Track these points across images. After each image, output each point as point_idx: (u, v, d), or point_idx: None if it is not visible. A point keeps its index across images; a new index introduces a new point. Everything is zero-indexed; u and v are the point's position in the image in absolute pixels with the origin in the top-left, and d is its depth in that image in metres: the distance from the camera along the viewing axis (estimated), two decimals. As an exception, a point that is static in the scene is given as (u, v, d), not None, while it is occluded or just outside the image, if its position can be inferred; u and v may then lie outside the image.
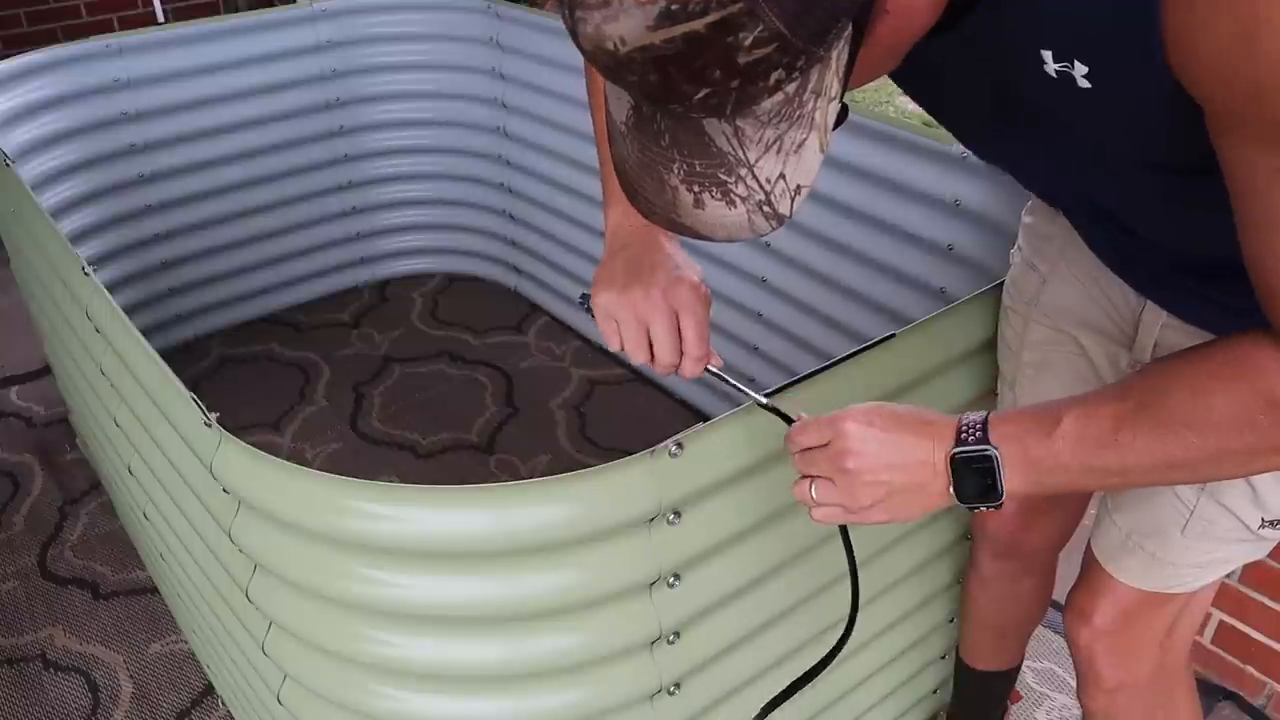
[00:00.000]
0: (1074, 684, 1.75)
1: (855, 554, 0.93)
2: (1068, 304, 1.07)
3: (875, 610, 1.29)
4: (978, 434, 0.79)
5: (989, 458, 0.78)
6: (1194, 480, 0.93)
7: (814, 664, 0.98)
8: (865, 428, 0.81)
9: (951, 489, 0.80)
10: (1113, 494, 1.08)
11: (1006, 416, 0.80)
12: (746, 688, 1.16)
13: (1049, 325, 1.10)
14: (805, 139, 0.60)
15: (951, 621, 1.47)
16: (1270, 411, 0.70)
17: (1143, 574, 1.06)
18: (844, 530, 0.93)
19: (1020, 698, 1.72)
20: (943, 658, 1.53)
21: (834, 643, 0.97)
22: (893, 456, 0.81)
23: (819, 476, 0.84)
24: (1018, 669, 1.51)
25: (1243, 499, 0.96)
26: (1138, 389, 0.76)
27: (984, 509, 0.81)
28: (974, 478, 0.79)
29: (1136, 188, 0.79)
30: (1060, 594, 1.39)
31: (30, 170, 2.18)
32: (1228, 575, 1.22)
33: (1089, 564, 1.12)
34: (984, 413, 0.81)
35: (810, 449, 0.85)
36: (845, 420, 0.82)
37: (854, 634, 1.24)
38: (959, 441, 0.80)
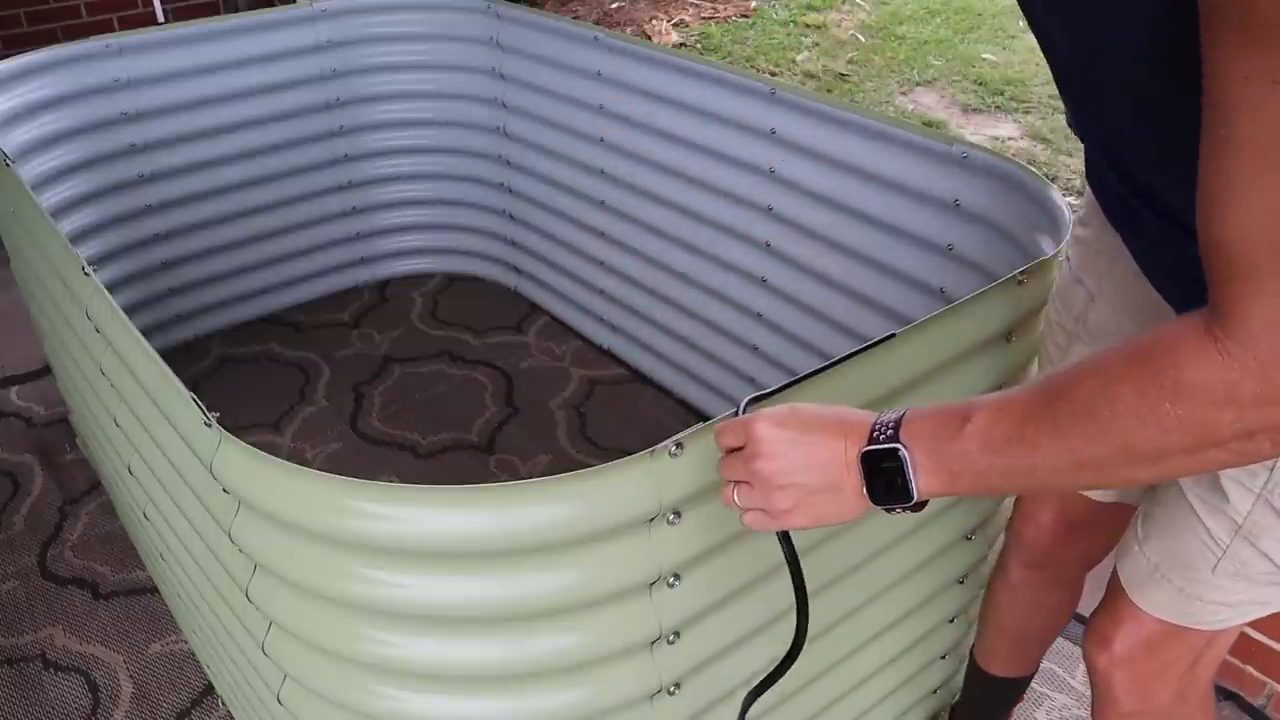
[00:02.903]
0: (1074, 684, 1.75)
1: (797, 552, 0.89)
2: (1115, 327, 1.04)
3: (875, 610, 1.29)
4: (889, 432, 0.77)
5: (897, 455, 0.76)
6: (1107, 484, 0.82)
7: (773, 668, 0.96)
8: (776, 429, 0.80)
9: (864, 490, 0.78)
10: (1141, 522, 1.04)
11: (920, 414, 0.77)
12: (746, 688, 1.16)
13: (1092, 349, 1.07)
14: None
15: (952, 621, 1.47)
16: (1178, 403, 0.64)
17: (1169, 606, 1.02)
18: (784, 537, 0.88)
19: (1020, 698, 1.72)
20: (943, 657, 1.53)
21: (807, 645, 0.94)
22: (803, 458, 0.79)
23: (740, 481, 0.83)
24: (1032, 676, 1.49)
25: (1279, 543, 0.91)
26: (1054, 380, 0.71)
27: (899, 510, 0.78)
28: (883, 477, 0.77)
29: (1150, 120, 0.76)
30: (1079, 606, 1.38)
31: (30, 170, 2.18)
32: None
33: (1113, 589, 1.08)
34: (902, 410, 0.78)
35: (730, 453, 0.84)
36: (756, 422, 0.80)
37: (854, 634, 1.23)
38: (871, 440, 0.77)
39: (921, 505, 0.78)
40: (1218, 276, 0.63)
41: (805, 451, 0.79)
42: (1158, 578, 1.01)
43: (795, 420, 0.80)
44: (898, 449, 0.76)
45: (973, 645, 1.48)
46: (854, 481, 0.78)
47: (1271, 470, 0.88)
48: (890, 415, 0.78)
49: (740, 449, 0.83)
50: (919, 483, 0.76)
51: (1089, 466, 0.69)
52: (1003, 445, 0.72)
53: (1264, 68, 0.57)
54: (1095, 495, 1.18)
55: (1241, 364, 0.62)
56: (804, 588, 0.89)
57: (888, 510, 0.79)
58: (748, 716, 1.05)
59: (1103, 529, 1.24)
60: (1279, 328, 0.61)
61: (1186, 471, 0.70)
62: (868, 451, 0.77)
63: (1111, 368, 0.68)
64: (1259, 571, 0.94)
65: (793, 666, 0.95)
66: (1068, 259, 1.11)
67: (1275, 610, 1.00)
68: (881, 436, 0.77)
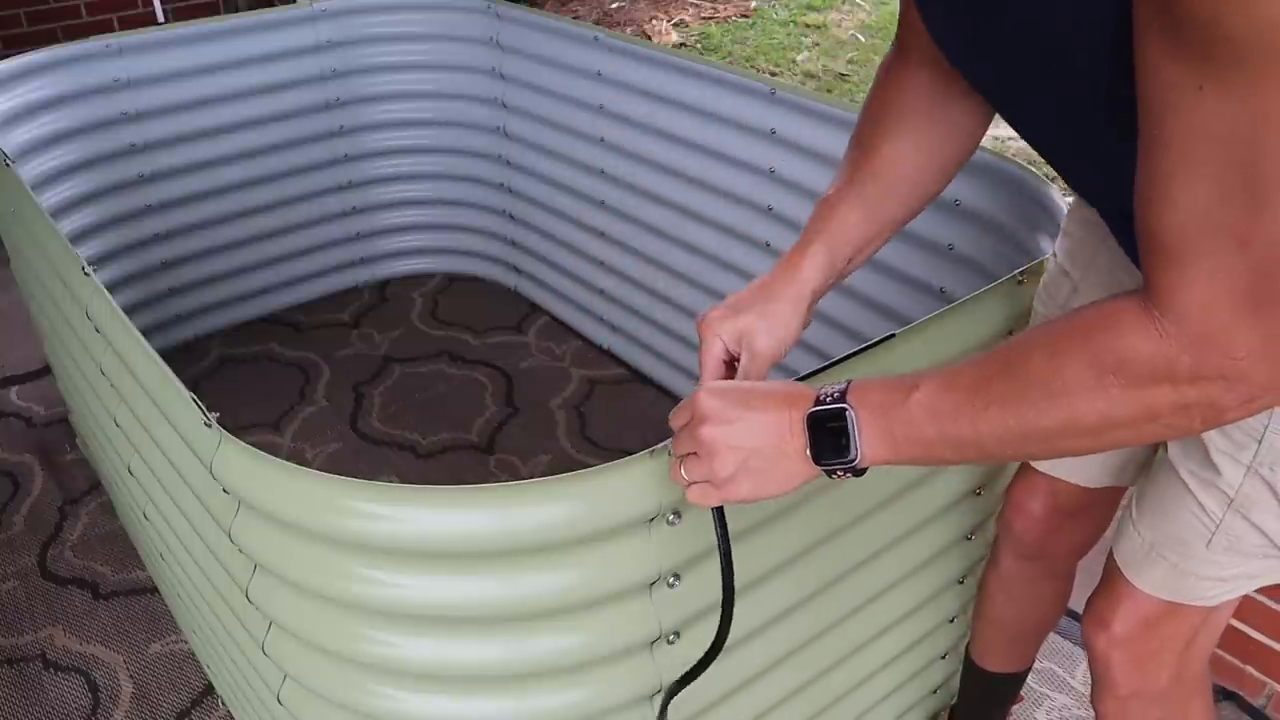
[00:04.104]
0: (1074, 684, 1.75)
1: (730, 540, 0.89)
2: None
3: (876, 609, 1.29)
4: (836, 396, 0.79)
5: (843, 415, 0.78)
6: (1049, 455, 0.87)
7: (700, 658, 0.96)
8: (718, 397, 0.82)
9: (808, 450, 0.80)
10: (1135, 501, 1.06)
11: (867, 381, 0.80)
12: (747, 688, 1.16)
13: None
14: None
15: (952, 621, 1.47)
16: (1121, 373, 0.67)
17: (1165, 584, 1.04)
18: (719, 514, 0.88)
19: (1021, 698, 1.72)
20: (943, 657, 1.53)
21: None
22: (748, 422, 0.81)
23: (688, 455, 0.84)
24: (1028, 672, 1.50)
25: (1270, 515, 0.93)
26: (1003, 352, 0.74)
27: (842, 473, 0.80)
28: (829, 437, 0.79)
29: (1097, 127, 0.78)
30: (1070, 602, 1.38)
31: (30, 170, 2.18)
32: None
33: (1110, 571, 1.10)
34: (848, 380, 0.81)
35: (680, 430, 0.85)
36: (700, 393, 0.83)
37: (855, 633, 1.23)
38: (817, 404, 0.80)
39: (863, 470, 0.80)
40: (1152, 260, 0.67)
41: (750, 417, 0.81)
42: (1153, 556, 1.03)
43: (739, 391, 0.83)
44: (844, 409, 0.78)
45: (968, 643, 1.49)
46: (798, 444, 0.80)
47: (1259, 442, 0.90)
48: (837, 385, 0.81)
49: (686, 425, 0.84)
50: (863, 446, 0.78)
51: (1035, 437, 0.72)
52: (951, 414, 0.74)
53: (1188, 74, 0.59)
54: (1086, 481, 1.19)
55: (1178, 341, 0.66)
56: (731, 573, 0.89)
57: (829, 473, 0.81)
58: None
59: (1093, 516, 1.25)
60: (1208, 309, 0.64)
61: (1124, 443, 0.73)
62: (814, 413, 0.80)
63: (1059, 340, 0.71)
64: (1252, 544, 0.96)
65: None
66: (1055, 253, 1.12)
67: (1266, 584, 1.02)
68: (828, 399, 0.79)
